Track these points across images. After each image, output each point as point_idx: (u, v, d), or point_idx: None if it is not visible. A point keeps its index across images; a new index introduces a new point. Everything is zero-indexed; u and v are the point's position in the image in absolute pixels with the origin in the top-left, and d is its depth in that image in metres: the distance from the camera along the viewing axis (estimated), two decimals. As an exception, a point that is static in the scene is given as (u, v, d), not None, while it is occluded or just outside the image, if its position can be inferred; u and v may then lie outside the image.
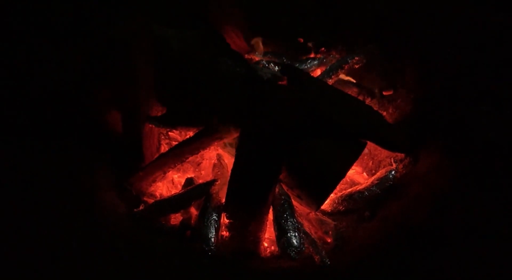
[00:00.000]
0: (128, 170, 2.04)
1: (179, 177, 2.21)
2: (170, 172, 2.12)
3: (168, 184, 2.19)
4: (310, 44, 2.63)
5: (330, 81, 2.28)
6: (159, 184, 2.14)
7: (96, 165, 1.99)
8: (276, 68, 2.33)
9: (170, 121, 2.04)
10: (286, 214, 1.76)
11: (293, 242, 1.68)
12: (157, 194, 2.13)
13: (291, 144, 1.75)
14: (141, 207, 1.95)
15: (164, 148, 2.34)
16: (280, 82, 1.97)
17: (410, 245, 1.56)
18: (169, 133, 2.43)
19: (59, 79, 2.06)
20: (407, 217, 1.72)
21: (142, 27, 1.90)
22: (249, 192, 1.74)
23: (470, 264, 1.39)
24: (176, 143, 2.21)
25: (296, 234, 1.71)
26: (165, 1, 2.17)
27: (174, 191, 2.12)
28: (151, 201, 2.02)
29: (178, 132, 2.42)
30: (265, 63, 2.36)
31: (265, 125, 1.75)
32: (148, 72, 2.01)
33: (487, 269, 1.36)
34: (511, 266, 1.34)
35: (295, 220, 1.76)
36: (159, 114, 2.19)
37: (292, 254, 1.66)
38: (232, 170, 1.74)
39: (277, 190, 1.85)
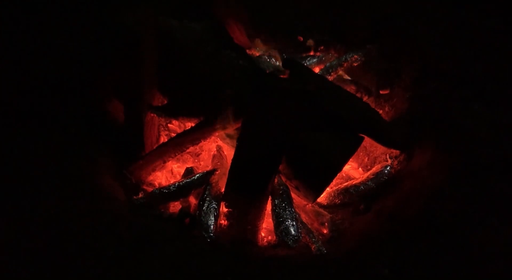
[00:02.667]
0: (129, 158, 2.06)
1: (178, 167, 2.24)
2: (170, 162, 2.14)
3: (167, 174, 2.21)
4: (309, 42, 2.69)
5: (330, 78, 2.34)
6: (158, 173, 2.17)
7: (97, 152, 2.00)
8: (277, 63, 2.38)
9: (172, 111, 2.07)
10: (285, 204, 1.80)
11: (291, 231, 1.72)
12: (156, 184, 2.15)
13: (291, 135, 1.79)
14: (140, 195, 1.97)
15: (163, 139, 2.36)
16: (282, 76, 2.02)
17: (403, 235, 1.61)
18: (169, 124, 2.46)
19: (64, 67, 2.08)
20: (401, 210, 1.77)
21: (148, 18, 1.93)
22: (248, 181, 1.77)
23: (459, 252, 1.45)
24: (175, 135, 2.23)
25: (294, 223, 1.75)
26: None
27: (173, 181, 2.14)
28: (150, 189, 2.04)
29: (177, 124, 2.44)
30: (266, 57, 2.41)
31: (266, 117, 1.79)
32: (151, 62, 2.04)
33: (475, 256, 1.42)
34: (498, 254, 1.41)
35: (293, 210, 1.80)
36: (160, 104, 2.22)
37: (289, 242, 1.70)
38: (233, 160, 1.78)
39: (276, 180, 1.89)
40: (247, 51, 2.58)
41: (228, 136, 2.09)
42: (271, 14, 2.77)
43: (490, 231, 1.48)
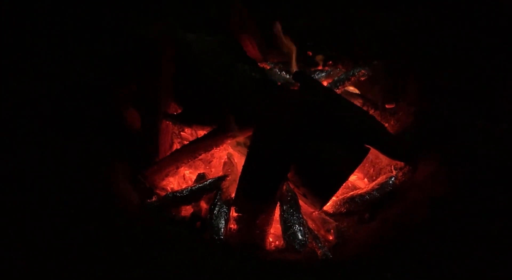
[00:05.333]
0: (143, 164, 2.15)
1: (190, 173, 2.32)
2: (182, 168, 2.23)
3: (180, 180, 2.30)
4: (318, 58, 2.80)
5: (337, 91, 2.43)
6: (171, 178, 2.25)
7: (114, 157, 2.09)
8: (288, 76, 2.48)
9: (187, 119, 2.17)
10: (292, 210, 1.87)
11: (298, 236, 1.79)
12: (169, 188, 2.23)
13: (300, 145, 1.87)
14: (153, 199, 2.05)
15: (176, 147, 2.44)
16: (292, 87, 2.11)
17: (407, 243, 1.67)
18: (181, 132, 2.55)
19: (84, 75, 2.20)
20: (405, 219, 1.83)
21: (167, 31, 2.05)
22: (258, 188, 1.85)
23: (460, 260, 1.51)
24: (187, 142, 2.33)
25: (301, 229, 1.81)
26: (190, 9, 2.33)
27: (185, 186, 2.22)
28: (163, 194, 2.12)
29: (189, 132, 2.54)
30: (277, 71, 2.52)
31: (276, 126, 1.87)
32: (169, 72, 2.14)
33: (476, 264, 1.48)
34: (498, 262, 1.46)
35: (300, 216, 1.87)
36: (175, 112, 2.32)
37: (296, 247, 1.76)
38: (244, 166, 1.85)
39: (284, 187, 1.96)
40: (259, 64, 2.70)
41: (239, 144, 2.17)
42: (282, 31, 2.88)
43: (491, 239, 1.54)
